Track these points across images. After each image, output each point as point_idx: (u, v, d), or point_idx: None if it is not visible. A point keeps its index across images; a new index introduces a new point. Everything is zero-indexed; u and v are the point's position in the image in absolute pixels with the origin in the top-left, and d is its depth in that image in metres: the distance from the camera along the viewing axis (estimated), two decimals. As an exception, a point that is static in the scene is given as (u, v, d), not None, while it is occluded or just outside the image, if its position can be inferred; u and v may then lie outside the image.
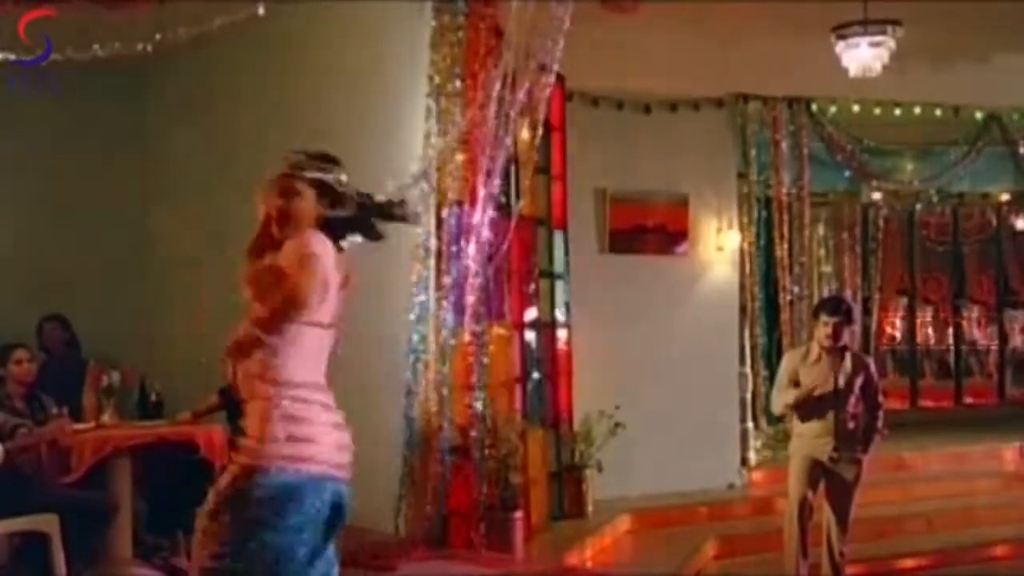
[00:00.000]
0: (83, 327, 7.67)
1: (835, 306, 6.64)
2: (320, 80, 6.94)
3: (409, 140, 6.77)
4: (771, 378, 7.98)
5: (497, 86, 6.49)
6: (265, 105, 7.22)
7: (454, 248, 6.70)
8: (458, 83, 6.71)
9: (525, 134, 7.08)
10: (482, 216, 6.67)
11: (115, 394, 6.36)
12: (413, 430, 6.71)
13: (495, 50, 6.84)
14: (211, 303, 6.13)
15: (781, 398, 6.65)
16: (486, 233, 6.71)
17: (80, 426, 6.12)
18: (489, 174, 6.63)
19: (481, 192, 6.65)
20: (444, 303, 6.67)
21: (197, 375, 6.63)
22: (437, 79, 6.72)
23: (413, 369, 6.71)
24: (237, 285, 3.35)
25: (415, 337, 6.73)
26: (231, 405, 6.25)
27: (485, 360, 6.80)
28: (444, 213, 6.70)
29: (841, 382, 6.46)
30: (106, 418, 6.26)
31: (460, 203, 6.72)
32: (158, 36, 6.11)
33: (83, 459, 5.80)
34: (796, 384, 6.54)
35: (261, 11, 6.14)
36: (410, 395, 6.71)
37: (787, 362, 6.75)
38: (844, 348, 6.54)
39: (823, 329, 6.47)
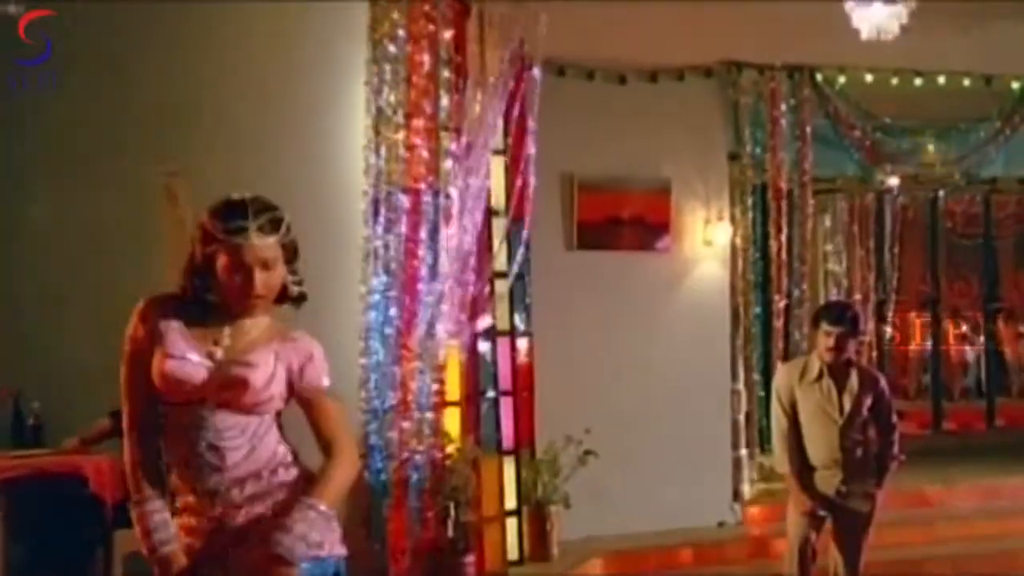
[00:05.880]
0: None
1: (839, 313, 6.58)
2: (236, 44, 6.89)
3: (342, 114, 6.76)
4: (767, 396, 8.00)
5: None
6: (160, 89, 7.12)
7: (396, 246, 6.69)
8: (402, 46, 6.69)
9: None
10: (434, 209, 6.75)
11: (-18, 417, 6.33)
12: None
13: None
14: (93, 306, 6.10)
15: (783, 453, 6.63)
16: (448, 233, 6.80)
17: (-62, 457, 6.07)
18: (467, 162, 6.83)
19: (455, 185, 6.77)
20: (375, 310, 6.65)
21: (84, 392, 6.57)
22: (377, 41, 6.72)
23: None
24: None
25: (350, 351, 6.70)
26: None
27: (430, 378, 6.79)
28: (382, 207, 6.69)
29: (847, 404, 6.48)
30: (-29, 446, 6.22)
31: (407, 191, 6.70)
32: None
33: (-60, 497, 5.76)
34: (794, 406, 6.56)
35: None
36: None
37: (781, 380, 6.70)
38: (850, 362, 6.55)
39: (824, 340, 6.45)
